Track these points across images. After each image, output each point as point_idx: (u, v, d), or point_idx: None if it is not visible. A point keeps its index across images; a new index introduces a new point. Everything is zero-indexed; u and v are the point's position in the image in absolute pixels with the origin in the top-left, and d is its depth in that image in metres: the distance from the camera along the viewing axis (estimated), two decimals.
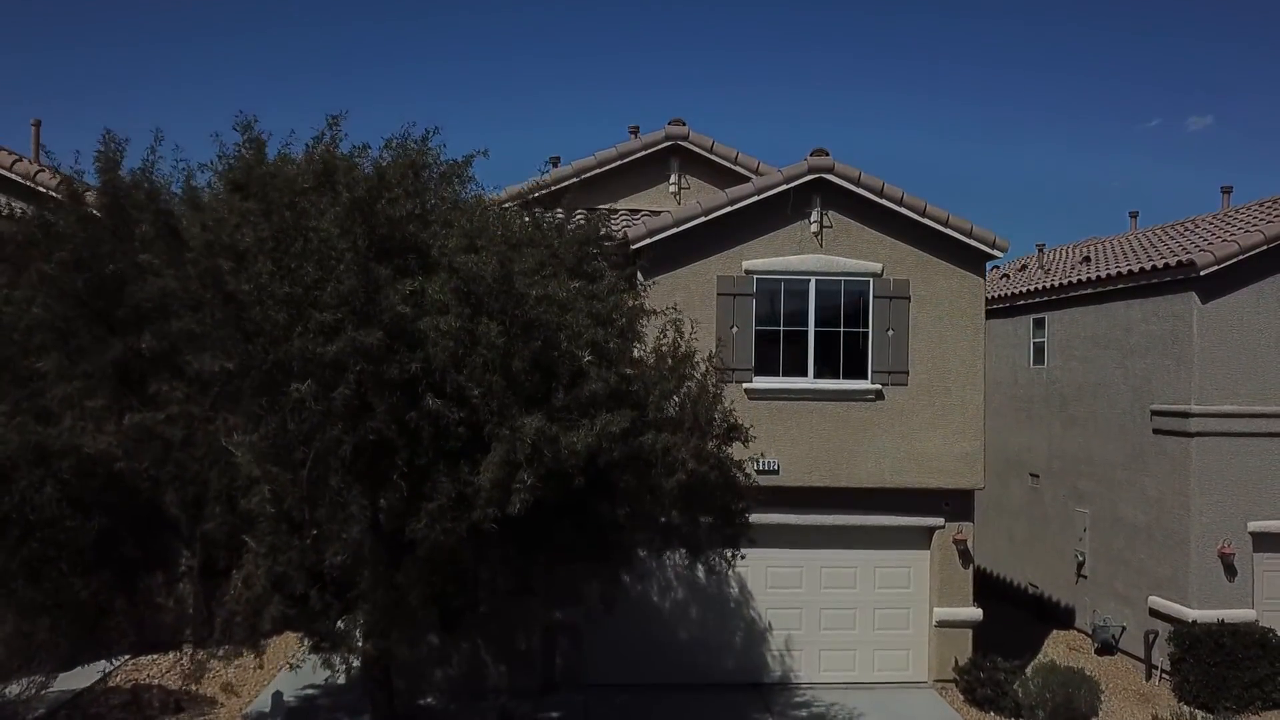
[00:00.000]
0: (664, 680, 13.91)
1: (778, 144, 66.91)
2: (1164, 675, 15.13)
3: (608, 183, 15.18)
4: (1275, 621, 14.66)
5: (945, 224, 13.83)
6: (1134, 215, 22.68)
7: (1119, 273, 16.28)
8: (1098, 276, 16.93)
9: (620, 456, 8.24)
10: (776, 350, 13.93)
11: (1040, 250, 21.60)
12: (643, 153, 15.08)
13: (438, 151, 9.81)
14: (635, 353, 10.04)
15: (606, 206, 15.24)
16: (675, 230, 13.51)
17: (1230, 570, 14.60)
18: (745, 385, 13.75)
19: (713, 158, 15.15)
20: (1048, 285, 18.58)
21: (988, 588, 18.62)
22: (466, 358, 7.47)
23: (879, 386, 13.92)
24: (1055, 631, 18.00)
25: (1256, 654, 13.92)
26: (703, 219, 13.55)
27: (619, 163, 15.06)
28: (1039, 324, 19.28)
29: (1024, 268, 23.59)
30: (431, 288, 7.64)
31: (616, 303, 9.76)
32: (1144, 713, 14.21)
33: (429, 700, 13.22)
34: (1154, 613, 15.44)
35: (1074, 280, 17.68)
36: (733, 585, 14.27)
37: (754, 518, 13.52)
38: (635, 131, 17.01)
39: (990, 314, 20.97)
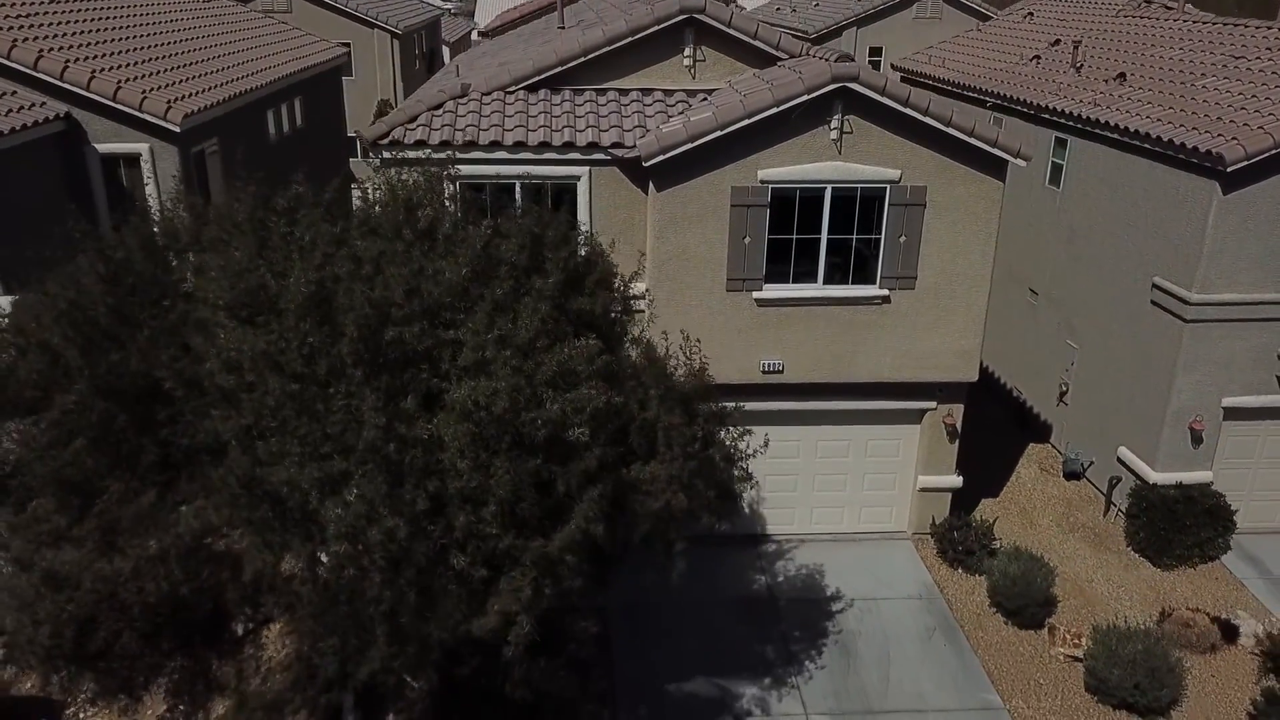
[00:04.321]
0: None
1: None
2: (1120, 513, 16.85)
3: (618, 59, 14.25)
4: (1229, 478, 16.12)
5: (970, 134, 13.30)
6: None
7: (1146, 134, 15.70)
8: (1123, 127, 16.30)
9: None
10: (788, 257, 14.00)
11: (1076, 46, 20.19)
12: (655, 28, 13.97)
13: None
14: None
15: (616, 85, 14.47)
16: (689, 146, 13.04)
17: (1197, 440, 15.76)
18: (755, 294, 14.03)
19: (730, 32, 14.07)
20: (1073, 113, 17.83)
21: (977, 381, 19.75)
22: (482, 508, 8.03)
23: (886, 292, 14.18)
24: (1031, 445, 19.59)
25: (1204, 520, 15.49)
26: (719, 133, 13.01)
27: (630, 39, 14.02)
28: (1060, 144, 18.73)
29: (1057, 42, 22.23)
30: (447, 433, 8.00)
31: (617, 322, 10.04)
32: (1096, 558, 16.12)
33: None
34: (1121, 461, 16.84)
35: (1100, 120, 16.98)
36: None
37: (756, 405, 14.60)
38: None
39: (1010, 110, 20.35)
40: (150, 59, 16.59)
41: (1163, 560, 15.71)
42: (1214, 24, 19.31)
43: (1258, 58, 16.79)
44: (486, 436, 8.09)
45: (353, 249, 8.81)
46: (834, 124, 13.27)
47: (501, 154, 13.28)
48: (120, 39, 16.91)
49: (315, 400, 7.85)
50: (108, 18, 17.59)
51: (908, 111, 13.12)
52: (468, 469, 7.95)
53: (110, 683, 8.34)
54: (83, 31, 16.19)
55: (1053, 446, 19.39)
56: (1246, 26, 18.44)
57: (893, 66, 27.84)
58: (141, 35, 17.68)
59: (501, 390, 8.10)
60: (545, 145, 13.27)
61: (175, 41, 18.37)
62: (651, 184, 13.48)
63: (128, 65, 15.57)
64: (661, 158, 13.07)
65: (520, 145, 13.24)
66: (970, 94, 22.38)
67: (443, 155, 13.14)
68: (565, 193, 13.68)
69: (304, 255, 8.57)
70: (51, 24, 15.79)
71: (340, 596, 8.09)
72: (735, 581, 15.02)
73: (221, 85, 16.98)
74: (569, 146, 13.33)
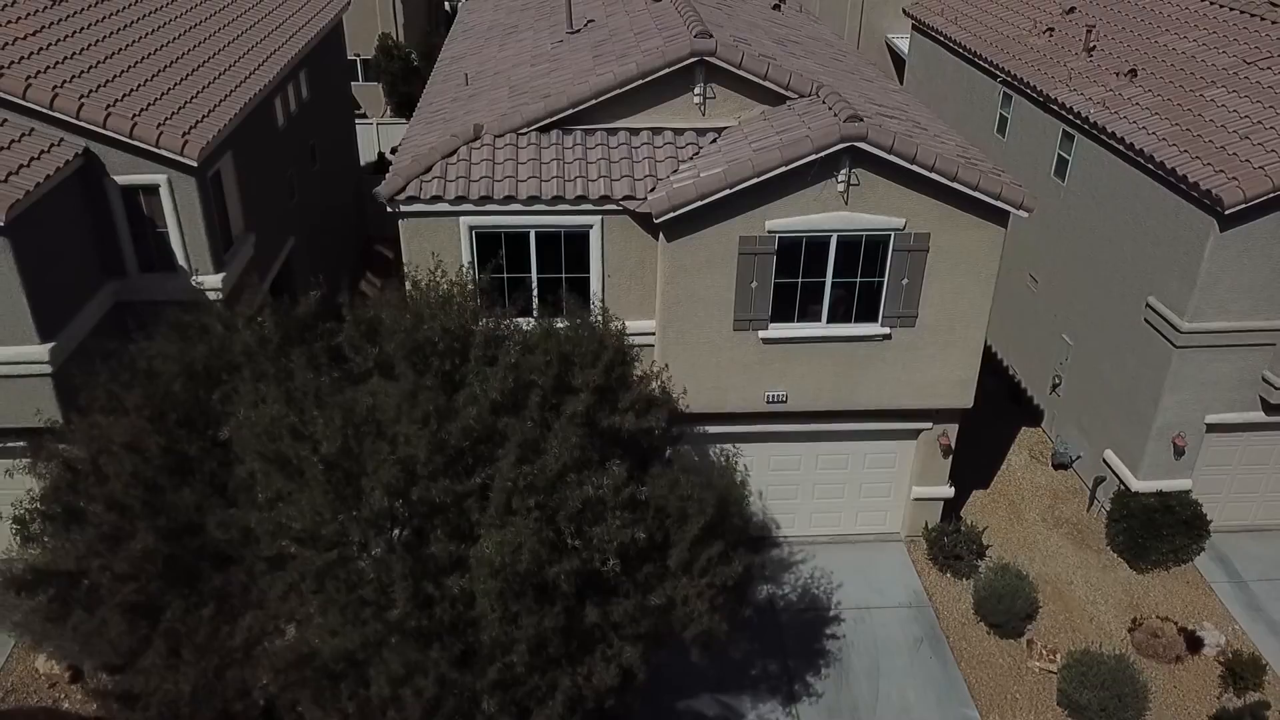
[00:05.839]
0: None
1: None
2: (1103, 508, 17.83)
3: (629, 98, 14.31)
4: (1207, 482, 17.00)
5: (975, 188, 13.55)
6: None
7: (1150, 155, 15.87)
8: (1129, 142, 16.43)
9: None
10: (793, 298, 14.45)
11: (1089, 30, 19.90)
12: (666, 70, 14.00)
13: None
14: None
15: (627, 124, 14.58)
16: (699, 204, 13.35)
17: (1179, 453, 16.55)
18: (761, 334, 14.56)
19: (741, 73, 14.10)
20: (1081, 113, 17.85)
21: None
22: (510, 653, 8.90)
23: (888, 330, 14.69)
24: (1023, 429, 20.41)
25: (1180, 530, 16.45)
26: (727, 191, 13.30)
27: (641, 81, 14.08)
28: (1068, 137, 18.81)
29: (1072, 10, 21.87)
30: (477, 588, 8.79)
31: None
32: (1077, 557, 17.18)
33: None
34: (1106, 463, 17.68)
35: (1107, 128, 17.07)
36: (737, 467, 16.31)
37: (760, 427, 15.43)
38: None
39: (1020, 91, 20.31)
40: (157, 70, 16.47)
41: (1139, 564, 16.76)
42: (1230, 9, 19.02)
43: (1268, 67, 16.72)
44: (513, 590, 8.89)
45: (374, 402, 9.31)
46: (841, 177, 13.52)
47: (516, 207, 13.59)
48: (122, 47, 16.77)
49: (349, 568, 8.62)
50: (101, 19, 17.38)
51: (914, 168, 13.36)
52: (496, 621, 8.79)
53: None
54: (85, 47, 16.07)
55: (1044, 432, 20.21)
56: (1263, 19, 18.20)
57: (905, 12, 27.29)
58: (142, 39, 17.49)
59: (525, 545, 8.83)
60: (559, 199, 13.57)
61: (176, 38, 18.15)
62: (662, 234, 13.84)
63: (138, 88, 15.50)
64: (672, 215, 13.40)
65: (534, 199, 13.53)
66: (981, 62, 22.21)
67: (457, 210, 13.60)
68: (578, 240, 14.04)
69: (326, 413, 9.10)
70: (51, 42, 15.70)
71: None
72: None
73: (232, 93, 16.89)
74: (581, 199, 13.62)
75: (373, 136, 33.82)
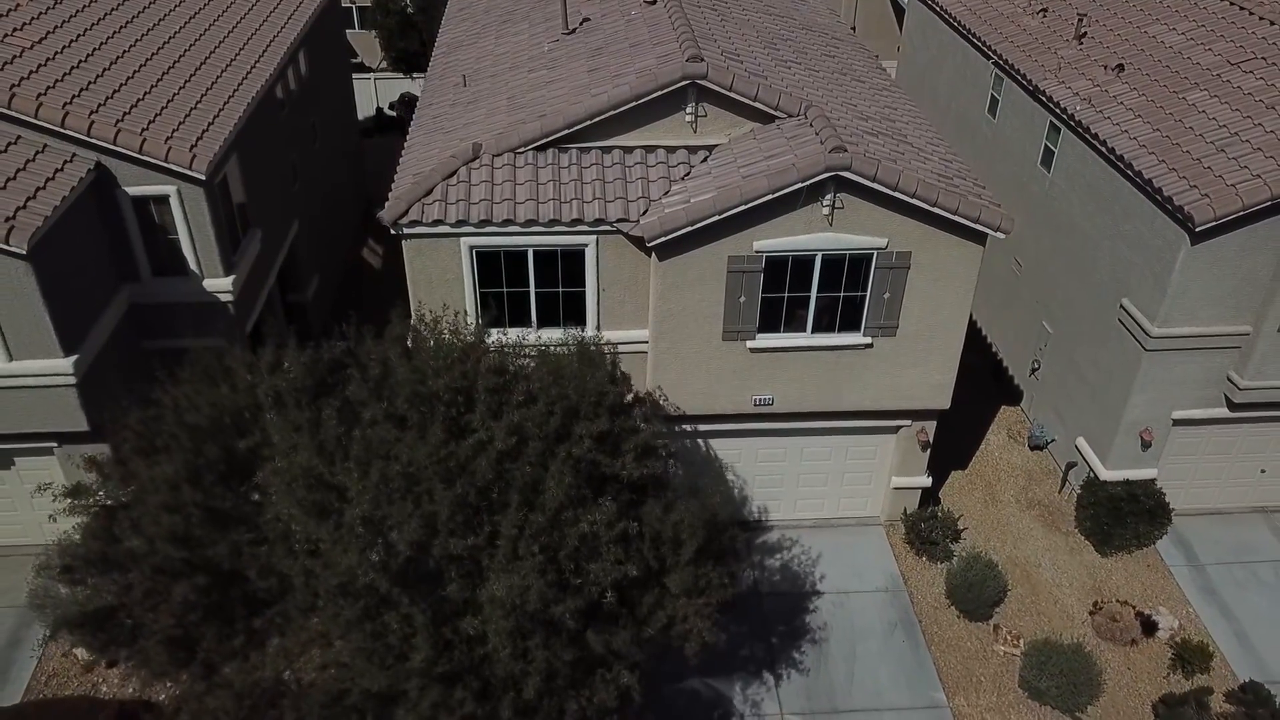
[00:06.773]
0: None
1: None
2: (1074, 490, 18.81)
3: (622, 119, 14.74)
4: (1173, 470, 17.95)
5: (955, 212, 14.11)
6: None
7: (1130, 163, 16.34)
8: (1111, 146, 16.87)
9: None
10: (780, 310, 15.12)
11: (1081, 19, 20.03)
12: (658, 93, 14.40)
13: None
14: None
15: (621, 142, 15.03)
16: (689, 229, 13.93)
17: (1146, 446, 17.43)
18: (749, 344, 15.28)
19: (732, 95, 14.51)
20: (1068, 109, 18.22)
21: None
22: (523, 684, 9.89)
23: (870, 340, 15.40)
24: (1002, 408, 21.26)
25: (1144, 518, 17.44)
26: (716, 218, 13.87)
27: (634, 104, 14.50)
28: (1054, 130, 19.19)
29: None
30: (490, 629, 9.74)
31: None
32: (1046, 540, 18.22)
33: None
34: (1078, 449, 18.59)
35: (1090, 129, 17.48)
36: (726, 461, 17.26)
37: (748, 425, 16.32)
38: None
39: (1011, 76, 20.62)
40: (161, 74, 16.76)
41: (1104, 549, 17.79)
42: (1221, 0, 19.18)
43: (1251, 71, 17.05)
44: (523, 629, 9.84)
45: (410, 458, 10.07)
46: (826, 201, 14.07)
47: (515, 229, 14.17)
48: (124, 50, 17.02)
49: (377, 622, 9.54)
50: (99, 19, 17.58)
51: (896, 194, 13.90)
52: (508, 657, 9.77)
53: None
54: (89, 54, 16.34)
55: (1022, 412, 21.06)
56: (1251, 14, 18.40)
57: None
58: (143, 38, 17.69)
59: (532, 587, 9.76)
60: (555, 221, 14.14)
61: (176, 33, 18.35)
62: (654, 255, 14.45)
63: (144, 96, 15.84)
64: (664, 239, 14.00)
65: (532, 222, 14.10)
66: (975, 41, 22.38)
67: (458, 231, 14.21)
68: (574, 257, 14.66)
69: (361, 469, 9.90)
70: (55, 51, 15.98)
71: None
72: None
73: (236, 91, 17.23)
74: (577, 222, 14.20)
75: (370, 91, 33.90)
